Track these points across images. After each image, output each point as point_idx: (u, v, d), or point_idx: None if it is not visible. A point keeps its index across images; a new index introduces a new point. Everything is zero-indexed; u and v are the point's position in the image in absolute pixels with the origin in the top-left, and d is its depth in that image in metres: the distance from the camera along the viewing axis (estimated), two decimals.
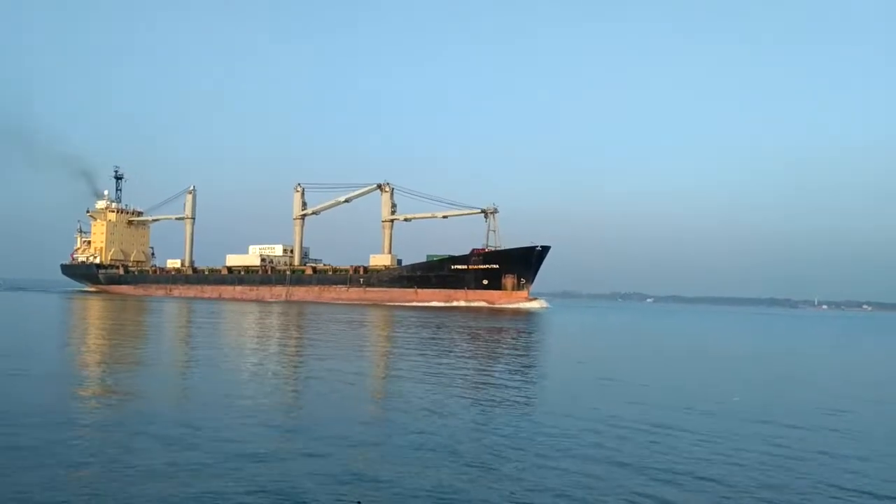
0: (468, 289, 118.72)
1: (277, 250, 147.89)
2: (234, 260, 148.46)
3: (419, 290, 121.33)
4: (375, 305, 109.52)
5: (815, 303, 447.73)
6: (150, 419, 16.03)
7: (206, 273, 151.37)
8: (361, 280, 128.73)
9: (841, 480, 12.78)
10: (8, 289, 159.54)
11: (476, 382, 23.86)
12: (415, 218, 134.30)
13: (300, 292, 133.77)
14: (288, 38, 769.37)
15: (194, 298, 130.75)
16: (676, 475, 12.56)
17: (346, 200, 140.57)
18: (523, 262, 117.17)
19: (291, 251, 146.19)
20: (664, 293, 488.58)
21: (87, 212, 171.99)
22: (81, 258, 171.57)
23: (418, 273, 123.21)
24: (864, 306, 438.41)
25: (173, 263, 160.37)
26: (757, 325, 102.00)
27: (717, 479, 12.37)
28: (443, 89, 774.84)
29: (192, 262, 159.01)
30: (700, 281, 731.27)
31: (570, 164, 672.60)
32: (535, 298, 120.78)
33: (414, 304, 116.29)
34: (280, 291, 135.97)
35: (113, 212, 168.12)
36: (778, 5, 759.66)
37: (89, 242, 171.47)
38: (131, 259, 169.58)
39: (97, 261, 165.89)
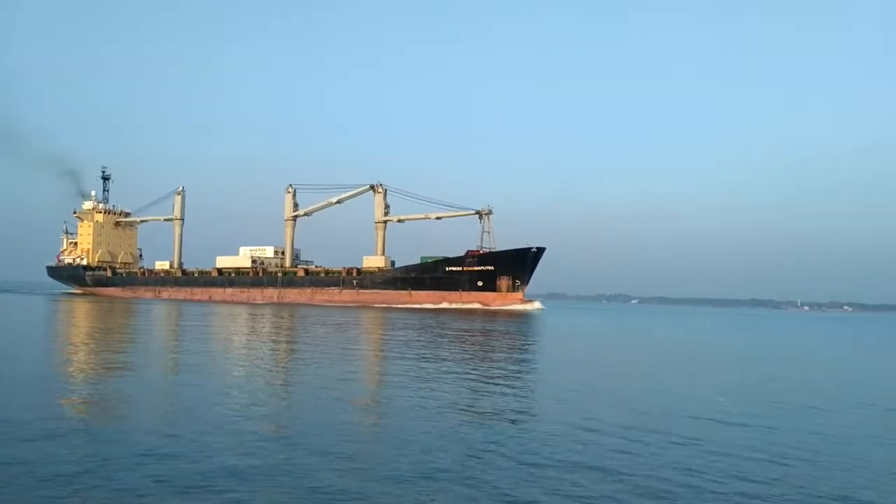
0: (463, 290, 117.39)
1: (268, 252, 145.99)
2: (224, 262, 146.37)
3: (413, 292, 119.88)
4: (369, 308, 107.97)
5: (798, 304, 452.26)
6: (131, 430, 14.86)
7: (196, 275, 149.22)
8: (354, 282, 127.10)
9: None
10: None
11: (470, 389, 22.46)
12: (408, 219, 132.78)
13: (292, 294, 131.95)
14: (279, 37, 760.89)
15: (184, 301, 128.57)
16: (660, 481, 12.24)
17: (339, 201, 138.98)
18: (518, 264, 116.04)
19: (283, 253, 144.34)
20: (648, 294, 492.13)
21: (74, 213, 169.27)
22: (68, 260, 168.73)
23: (412, 275, 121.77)
24: (846, 307, 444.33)
25: (162, 265, 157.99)
26: (745, 326, 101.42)
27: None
28: (435, 90, 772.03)
29: (181, 264, 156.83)
30: (684, 282, 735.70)
31: (557, 167, 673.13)
32: (530, 300, 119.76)
33: (408, 306, 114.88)
34: (271, 293, 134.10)
35: (100, 213, 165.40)
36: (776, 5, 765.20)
37: (76, 244, 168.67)
38: (119, 261, 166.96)
39: (84, 262, 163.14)
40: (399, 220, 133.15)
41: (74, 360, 28.12)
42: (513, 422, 17.10)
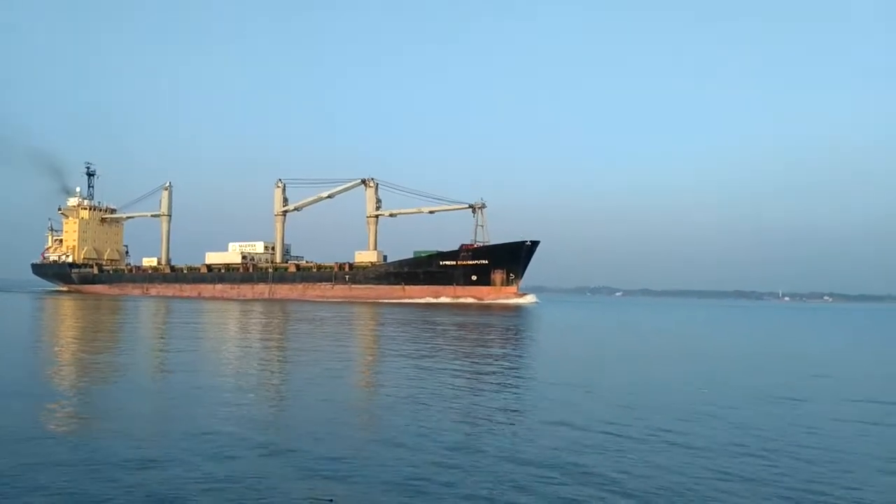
0: (457, 285, 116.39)
1: (258, 247, 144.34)
2: (213, 258, 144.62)
3: (406, 287, 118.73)
4: (362, 303, 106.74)
5: (780, 295, 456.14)
6: (114, 436, 13.66)
7: (185, 271, 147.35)
8: (347, 277, 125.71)
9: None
10: None
11: (464, 386, 21.30)
12: (400, 213, 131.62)
13: (283, 290, 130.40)
14: (272, 34, 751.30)
15: (172, 297, 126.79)
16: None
17: (329, 196, 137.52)
18: (513, 258, 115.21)
19: (273, 248, 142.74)
20: (632, 287, 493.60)
21: (59, 209, 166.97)
22: (53, 257, 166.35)
23: (405, 269, 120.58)
24: (826, 298, 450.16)
25: (149, 262, 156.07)
26: (734, 317, 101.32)
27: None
28: (430, 86, 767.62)
29: (168, 261, 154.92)
30: (668, 274, 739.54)
31: (546, 163, 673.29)
32: (524, 294, 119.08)
33: (401, 300, 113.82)
34: (262, 289, 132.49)
35: (85, 209, 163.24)
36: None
37: (61, 241, 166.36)
38: (105, 258, 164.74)
39: (70, 260, 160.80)
40: (391, 215, 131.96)
41: (58, 361, 26.61)
42: (507, 421, 16.07)
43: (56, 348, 31.85)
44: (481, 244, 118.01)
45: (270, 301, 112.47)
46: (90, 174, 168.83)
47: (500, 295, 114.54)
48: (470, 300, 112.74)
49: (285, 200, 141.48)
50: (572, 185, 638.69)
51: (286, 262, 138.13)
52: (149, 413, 16.56)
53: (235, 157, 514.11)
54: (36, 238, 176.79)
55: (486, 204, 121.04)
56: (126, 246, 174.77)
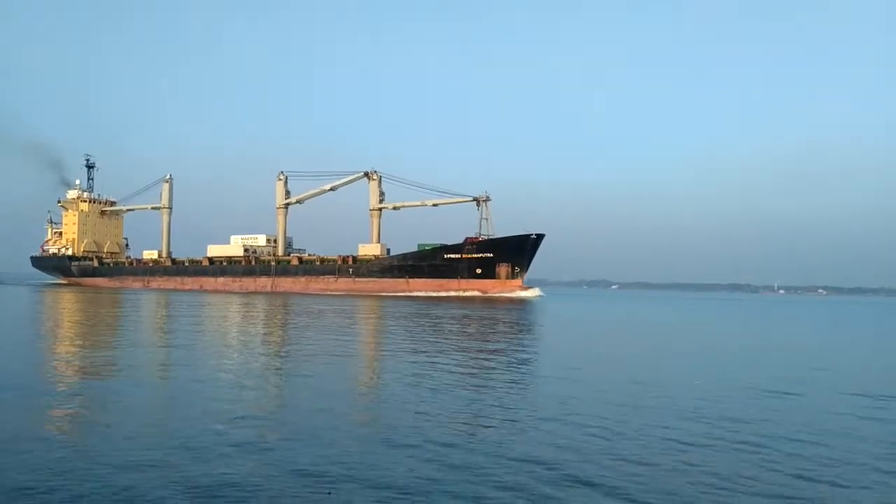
0: (461, 278, 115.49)
1: (260, 240, 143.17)
2: (215, 250, 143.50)
3: (411, 280, 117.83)
4: (365, 296, 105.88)
5: (775, 288, 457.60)
6: (112, 435, 12.99)
7: (186, 264, 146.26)
8: (350, 270, 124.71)
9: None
10: None
11: (471, 384, 20.34)
12: (404, 206, 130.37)
13: (286, 283, 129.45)
14: (270, 22, 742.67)
15: (174, 291, 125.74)
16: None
17: (332, 189, 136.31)
18: (518, 251, 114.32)
19: (275, 241, 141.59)
20: (629, 280, 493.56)
21: (59, 202, 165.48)
22: (53, 250, 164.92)
23: (410, 262, 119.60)
24: (820, 291, 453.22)
25: (150, 255, 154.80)
26: (730, 310, 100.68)
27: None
28: (432, 75, 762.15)
29: (169, 253, 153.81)
30: (664, 268, 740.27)
31: (547, 156, 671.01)
32: (529, 287, 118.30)
33: (406, 294, 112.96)
34: (265, 282, 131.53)
35: (85, 202, 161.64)
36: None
37: (61, 233, 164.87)
38: (105, 250, 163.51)
39: (69, 252, 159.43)
40: (394, 208, 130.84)
41: (57, 356, 25.52)
42: (503, 418, 15.37)
43: (54, 342, 30.72)
44: (486, 237, 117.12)
45: (273, 294, 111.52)
46: (90, 166, 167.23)
47: (506, 288, 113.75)
48: (475, 293, 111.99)
49: (287, 193, 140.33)
50: (570, 178, 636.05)
51: (288, 255, 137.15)
52: (144, 409, 15.59)
53: (237, 150, 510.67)
54: (35, 231, 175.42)
55: (491, 197, 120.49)
56: (126, 238, 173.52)
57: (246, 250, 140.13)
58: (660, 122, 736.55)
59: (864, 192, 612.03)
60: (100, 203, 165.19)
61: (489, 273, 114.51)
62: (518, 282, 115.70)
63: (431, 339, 34.30)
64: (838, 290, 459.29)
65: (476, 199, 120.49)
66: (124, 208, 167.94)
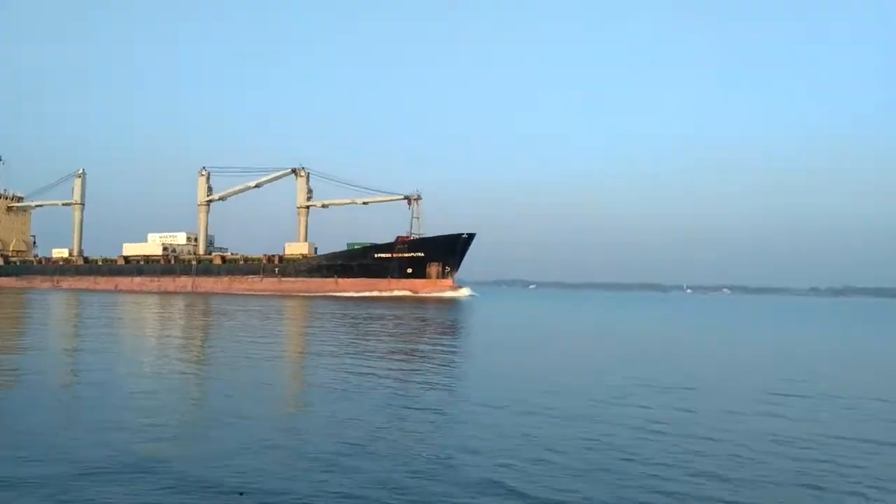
0: (391, 278, 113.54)
1: (180, 238, 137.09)
2: (132, 249, 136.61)
3: (340, 280, 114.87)
4: (292, 297, 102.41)
5: (684, 287, 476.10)
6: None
7: (100, 263, 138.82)
8: (276, 270, 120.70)
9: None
10: None
11: (396, 384, 19.34)
12: (333, 204, 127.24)
13: (208, 283, 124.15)
14: (194, 15, 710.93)
15: (86, 291, 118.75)
16: None
17: (257, 185, 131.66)
18: (449, 250, 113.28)
19: (196, 240, 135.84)
20: (545, 280, 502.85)
21: None
22: None
23: (339, 262, 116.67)
24: (724, 290, 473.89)
25: (60, 253, 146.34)
26: (649, 308, 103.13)
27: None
28: (370, 67, 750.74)
29: (81, 252, 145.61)
30: (578, 268, 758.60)
31: (472, 151, 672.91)
32: (459, 287, 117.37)
33: (334, 294, 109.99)
34: (185, 282, 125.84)
35: None
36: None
37: None
38: (10, 249, 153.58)
39: None
40: (323, 206, 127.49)
41: None
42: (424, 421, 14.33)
43: None
44: (417, 236, 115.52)
45: (193, 294, 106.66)
46: None
47: (436, 288, 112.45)
48: (405, 293, 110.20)
49: (209, 189, 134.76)
50: (494, 177, 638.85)
51: (210, 255, 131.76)
52: (40, 423, 13.41)
53: (155, 144, 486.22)
54: None
55: (422, 195, 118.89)
56: (34, 236, 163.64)
57: (165, 249, 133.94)
58: (577, 121, 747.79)
59: (763, 191, 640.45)
60: (5, 199, 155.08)
61: (420, 273, 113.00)
62: (449, 281, 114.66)
63: (359, 342, 32.40)
64: (745, 290, 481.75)
65: (407, 198, 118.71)
66: (32, 204, 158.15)
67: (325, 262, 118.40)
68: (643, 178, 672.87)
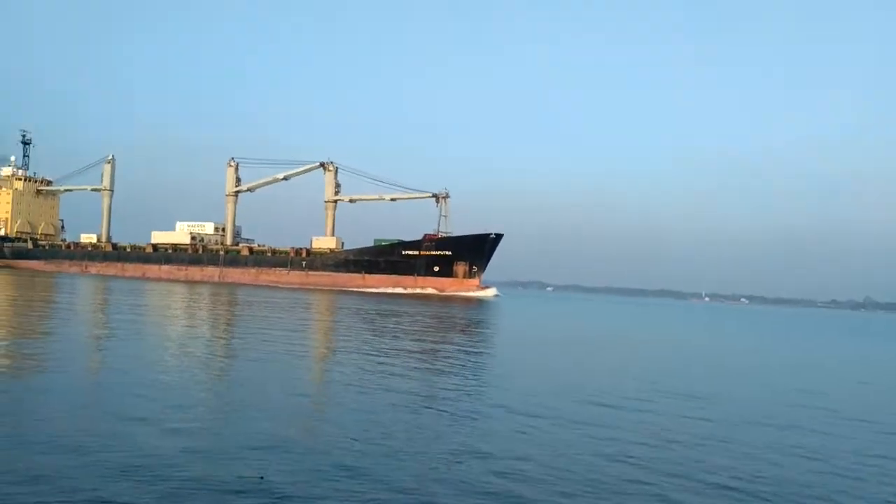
0: (418, 275, 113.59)
1: (208, 228, 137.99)
2: (160, 237, 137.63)
3: (367, 276, 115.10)
4: (319, 290, 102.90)
5: (702, 295, 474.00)
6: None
7: (128, 250, 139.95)
8: (304, 263, 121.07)
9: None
10: None
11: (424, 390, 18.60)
12: (360, 199, 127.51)
13: (235, 274, 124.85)
14: (222, 6, 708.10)
15: (114, 277, 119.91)
16: None
17: (285, 178, 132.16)
18: (476, 250, 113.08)
19: (223, 230, 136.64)
20: (563, 283, 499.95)
21: None
22: None
23: (366, 258, 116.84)
24: (742, 300, 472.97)
25: (88, 238, 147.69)
26: (670, 316, 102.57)
27: None
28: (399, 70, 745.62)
29: (109, 238, 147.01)
30: (596, 271, 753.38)
31: (496, 157, 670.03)
32: (486, 287, 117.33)
33: (361, 290, 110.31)
34: (212, 272, 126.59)
35: (20, 179, 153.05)
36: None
37: None
38: (39, 232, 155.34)
39: (1, 233, 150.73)
40: (351, 201, 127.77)
41: None
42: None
43: None
44: (445, 234, 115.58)
45: (220, 285, 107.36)
46: (26, 143, 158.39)
47: (463, 287, 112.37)
48: (431, 291, 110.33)
49: (238, 180, 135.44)
50: (507, 181, 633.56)
51: (237, 245, 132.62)
52: (67, 411, 13.14)
53: (186, 133, 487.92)
54: None
55: (450, 194, 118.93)
56: (62, 220, 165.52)
57: (193, 238, 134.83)
58: (605, 127, 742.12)
59: (784, 202, 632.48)
60: (35, 182, 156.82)
61: (447, 271, 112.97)
62: (475, 281, 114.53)
63: (387, 341, 32.37)
64: (763, 300, 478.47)
65: (436, 196, 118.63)
66: (61, 188, 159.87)
67: (352, 258, 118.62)
68: (662, 183, 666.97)
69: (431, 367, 23.30)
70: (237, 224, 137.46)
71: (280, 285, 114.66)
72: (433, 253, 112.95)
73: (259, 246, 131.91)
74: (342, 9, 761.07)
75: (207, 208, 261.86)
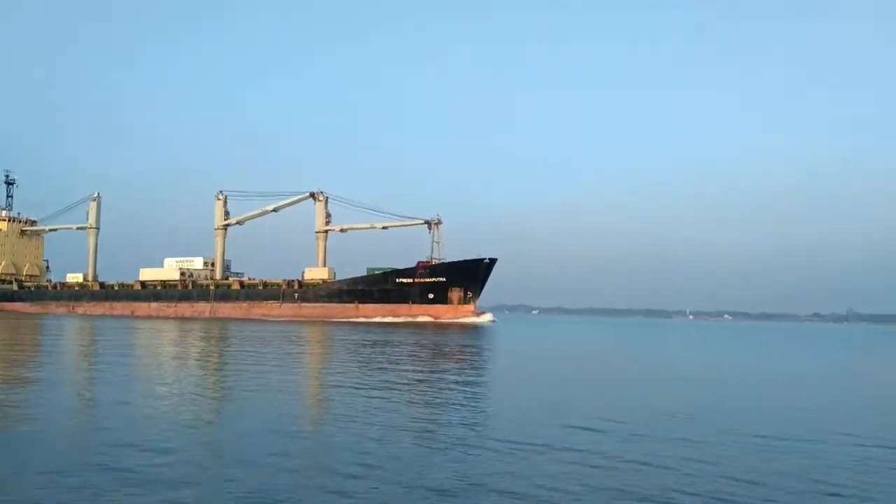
0: (413, 303, 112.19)
1: (197, 263, 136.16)
2: (148, 274, 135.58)
3: (360, 305, 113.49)
4: (312, 322, 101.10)
5: (687, 313, 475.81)
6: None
7: (116, 288, 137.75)
8: (296, 295, 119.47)
9: None
10: None
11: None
12: (352, 228, 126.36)
13: (226, 309, 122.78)
14: (207, 36, 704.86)
15: (102, 316, 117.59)
16: None
17: (275, 210, 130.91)
18: (471, 275, 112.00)
19: (212, 264, 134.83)
20: (547, 305, 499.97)
21: None
22: None
23: (360, 287, 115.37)
24: (726, 316, 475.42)
25: (74, 278, 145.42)
26: (658, 336, 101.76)
27: None
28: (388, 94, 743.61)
29: (95, 276, 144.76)
30: (580, 293, 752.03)
31: (481, 176, 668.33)
32: (481, 312, 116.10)
33: (355, 320, 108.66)
34: (203, 308, 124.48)
35: (3, 220, 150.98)
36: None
37: None
38: (24, 273, 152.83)
39: None
40: (342, 230, 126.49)
41: None
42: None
43: None
44: (438, 261, 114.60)
45: (211, 321, 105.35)
46: (9, 183, 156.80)
47: (458, 314, 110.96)
48: (426, 319, 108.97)
49: (227, 214, 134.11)
50: (499, 203, 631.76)
51: (227, 279, 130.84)
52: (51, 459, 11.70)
53: (171, 167, 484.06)
54: None
55: (442, 220, 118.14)
56: (46, 260, 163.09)
57: (182, 274, 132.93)
58: (579, 146, 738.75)
59: (766, 221, 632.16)
60: (20, 222, 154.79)
61: (441, 298, 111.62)
62: (471, 307, 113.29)
63: (383, 373, 31.08)
64: (747, 316, 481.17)
65: (427, 222, 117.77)
66: (46, 228, 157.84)
67: (345, 287, 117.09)
68: (642, 202, 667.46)
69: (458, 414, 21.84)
70: (227, 258, 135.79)
71: (273, 318, 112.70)
72: (427, 280, 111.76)
73: (250, 279, 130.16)
74: (331, 37, 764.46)
75: (196, 243, 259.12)
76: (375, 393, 22.85)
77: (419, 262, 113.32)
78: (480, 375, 31.18)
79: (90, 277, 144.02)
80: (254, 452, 13.55)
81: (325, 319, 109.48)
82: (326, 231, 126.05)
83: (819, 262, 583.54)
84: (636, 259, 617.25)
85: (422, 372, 31.15)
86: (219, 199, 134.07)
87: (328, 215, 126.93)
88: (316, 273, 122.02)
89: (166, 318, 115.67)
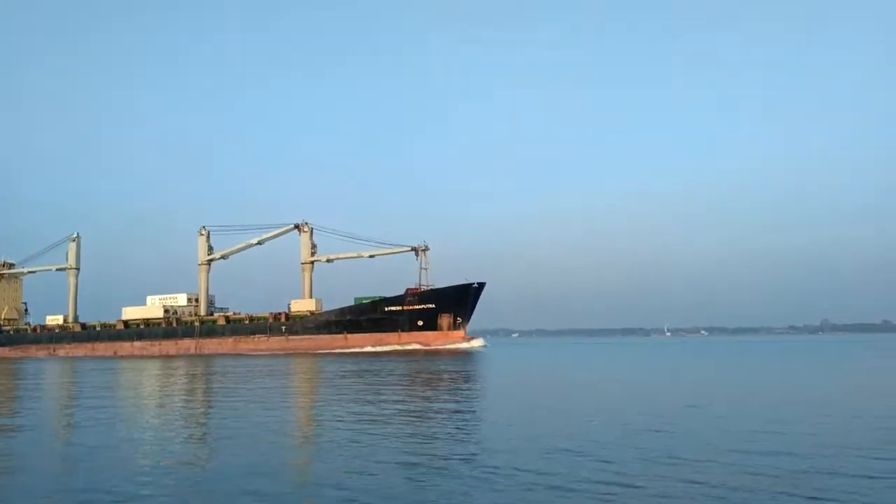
0: (402, 331, 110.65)
1: (181, 300, 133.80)
2: (131, 313, 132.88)
3: (349, 336, 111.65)
4: (301, 355, 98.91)
5: (665, 330, 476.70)
6: None
7: (98, 329, 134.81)
8: (283, 328, 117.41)
9: None
10: None
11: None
12: (338, 258, 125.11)
13: (212, 345, 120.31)
14: (184, 66, 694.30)
15: (84, 358, 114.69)
16: None
17: (259, 242, 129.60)
18: (460, 300, 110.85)
19: (197, 300, 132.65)
20: (527, 328, 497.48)
21: None
22: None
23: (348, 317, 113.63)
24: (702, 332, 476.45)
25: (54, 320, 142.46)
26: (636, 354, 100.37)
27: None
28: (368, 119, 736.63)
29: (76, 318, 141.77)
30: (560, 314, 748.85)
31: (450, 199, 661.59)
32: (471, 338, 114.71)
33: (344, 350, 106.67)
34: (188, 345, 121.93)
35: None
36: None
37: None
38: (2, 317, 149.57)
39: None
40: (328, 260, 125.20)
41: None
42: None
43: None
44: (427, 287, 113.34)
45: (197, 357, 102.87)
46: None
47: (449, 340, 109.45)
48: (417, 346, 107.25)
49: (210, 248, 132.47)
50: (457, 227, 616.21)
51: (213, 315, 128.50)
52: None
53: (150, 204, 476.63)
54: None
55: (429, 246, 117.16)
56: (25, 303, 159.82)
57: (166, 311, 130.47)
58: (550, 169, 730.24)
59: (736, 231, 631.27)
60: None
61: (431, 325, 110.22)
62: (461, 333, 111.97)
63: (374, 405, 29.62)
64: (723, 331, 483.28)
65: (415, 249, 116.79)
66: (24, 270, 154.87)
67: (333, 318, 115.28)
68: (611, 222, 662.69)
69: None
70: (211, 293, 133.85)
71: (260, 353, 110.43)
72: (416, 307, 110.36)
73: (235, 314, 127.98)
74: (312, 62, 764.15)
75: (179, 279, 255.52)
76: (388, 428, 21.31)
77: (408, 289, 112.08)
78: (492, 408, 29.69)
79: (71, 319, 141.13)
80: (233, 494, 12.16)
81: (314, 351, 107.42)
82: (312, 262, 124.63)
83: (793, 276, 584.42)
84: (612, 278, 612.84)
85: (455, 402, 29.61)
86: (202, 234, 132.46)
87: (314, 246, 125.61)
88: (303, 305, 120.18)
89: (151, 356, 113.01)
